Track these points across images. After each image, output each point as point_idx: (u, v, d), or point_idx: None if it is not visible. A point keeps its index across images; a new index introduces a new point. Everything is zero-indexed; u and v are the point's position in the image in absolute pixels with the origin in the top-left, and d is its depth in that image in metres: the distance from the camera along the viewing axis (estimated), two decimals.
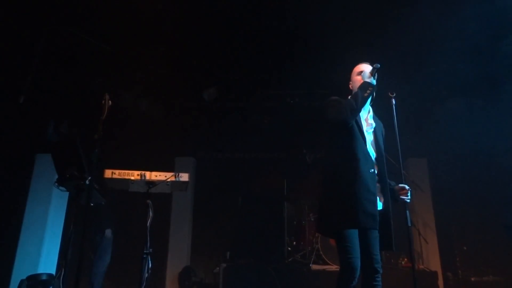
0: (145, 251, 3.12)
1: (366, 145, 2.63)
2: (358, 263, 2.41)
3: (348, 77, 2.97)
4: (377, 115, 2.97)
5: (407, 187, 2.73)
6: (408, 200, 2.73)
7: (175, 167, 7.13)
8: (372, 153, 2.68)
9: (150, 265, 3.14)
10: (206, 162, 7.57)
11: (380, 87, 2.83)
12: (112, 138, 5.10)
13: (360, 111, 2.63)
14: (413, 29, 4.31)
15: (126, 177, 3.22)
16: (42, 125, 5.54)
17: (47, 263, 5.51)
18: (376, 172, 2.62)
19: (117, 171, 3.23)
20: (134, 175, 3.24)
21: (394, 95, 2.88)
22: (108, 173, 3.21)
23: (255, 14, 4.34)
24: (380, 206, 2.61)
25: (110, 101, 3.07)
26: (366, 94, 2.59)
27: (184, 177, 3.34)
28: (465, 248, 6.23)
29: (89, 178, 3.18)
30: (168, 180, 3.27)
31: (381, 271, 2.51)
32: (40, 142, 5.70)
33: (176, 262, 6.61)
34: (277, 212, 6.43)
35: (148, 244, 3.14)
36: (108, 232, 5.05)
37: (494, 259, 5.97)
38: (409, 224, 2.73)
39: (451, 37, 4.44)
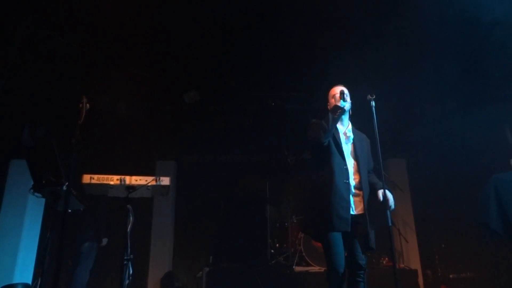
0: (125, 258, 3.05)
1: (343, 158, 3.04)
2: (341, 262, 2.80)
3: (326, 98, 3.37)
4: (356, 125, 3.18)
5: (389, 195, 3.02)
6: (392, 208, 3.04)
7: (156, 170, 7.03)
8: (350, 164, 3.06)
9: (131, 272, 3.07)
10: (188, 165, 7.50)
11: (360, 89, 2.91)
12: (90, 142, 4.99)
13: (331, 131, 3.04)
14: (393, 31, 4.39)
15: (105, 182, 3.14)
16: (16, 129, 5.37)
17: (23, 272, 5.34)
18: (351, 181, 3.02)
19: (95, 176, 3.15)
20: (114, 179, 3.16)
21: (374, 97, 3.05)
22: (86, 178, 3.12)
23: (236, 16, 4.33)
24: (353, 211, 2.98)
25: (87, 104, 3.00)
26: (336, 116, 3.04)
27: (165, 181, 3.28)
28: (443, 246, 6.37)
29: (66, 183, 3.09)
30: (149, 184, 3.21)
31: (365, 267, 2.89)
32: (15, 147, 5.52)
33: (158, 267, 6.50)
34: (260, 215, 6.43)
35: (129, 250, 3.08)
36: (92, 243, 4.95)
37: (471, 256, 6.14)
38: (390, 224, 2.87)
39: (432, 40, 4.54)
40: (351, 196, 2.98)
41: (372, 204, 3.04)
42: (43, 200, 5.06)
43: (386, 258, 5.93)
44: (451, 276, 6.08)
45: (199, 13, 4.35)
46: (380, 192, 3.04)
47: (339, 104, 3.10)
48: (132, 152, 6.18)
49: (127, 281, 3.01)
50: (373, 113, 3.04)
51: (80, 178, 3.12)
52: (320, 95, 3.10)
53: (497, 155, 5.67)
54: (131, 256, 3.07)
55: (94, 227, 5.01)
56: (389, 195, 3.02)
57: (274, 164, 7.27)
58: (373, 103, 3.05)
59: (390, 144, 6.53)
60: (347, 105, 3.14)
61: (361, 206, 3.00)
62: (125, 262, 3.03)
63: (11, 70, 4.55)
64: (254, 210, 6.53)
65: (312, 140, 3.06)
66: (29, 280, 5.24)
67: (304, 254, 5.61)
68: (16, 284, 4.51)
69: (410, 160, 7.19)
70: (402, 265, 6.13)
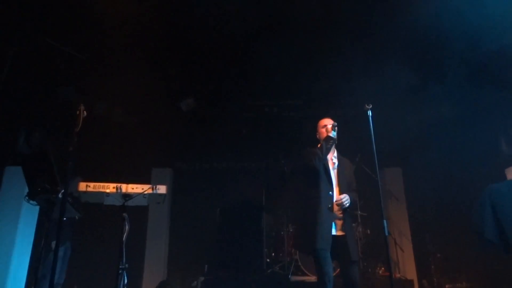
0: (120, 266, 3.02)
1: (330, 183, 3.39)
2: (330, 271, 3.15)
3: (315, 128, 3.67)
4: (355, 130, 3.13)
5: (341, 196, 3.35)
6: (347, 204, 3.35)
7: (151, 178, 7.00)
8: (335, 188, 3.41)
9: (125, 281, 3.04)
10: (184, 172, 7.48)
11: (356, 99, 2.92)
12: (86, 150, 4.96)
13: (325, 159, 3.41)
14: (389, 41, 4.44)
15: (101, 190, 3.12)
16: (12, 136, 5.33)
17: (16, 280, 5.25)
18: (333, 206, 3.33)
19: (92, 184, 3.12)
20: (110, 187, 3.14)
21: (371, 106, 3.01)
22: (82, 186, 3.10)
23: (233, 25, 4.35)
24: (335, 231, 3.32)
25: (85, 112, 2.99)
26: (329, 145, 3.44)
27: (162, 189, 3.26)
28: (439, 255, 6.36)
29: (62, 191, 3.06)
30: (145, 192, 3.20)
31: (356, 281, 3.19)
32: (10, 153, 5.47)
33: (153, 276, 6.44)
34: (256, 223, 6.39)
35: (124, 259, 3.05)
36: (53, 245, 4.83)
37: (467, 266, 6.13)
38: (386, 234, 2.82)
39: (429, 50, 4.59)
40: (333, 219, 3.33)
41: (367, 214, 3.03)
42: (37, 208, 5.00)
43: (382, 268, 5.91)
44: (447, 286, 6.06)
45: (197, 22, 4.38)
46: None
47: (330, 135, 3.45)
48: (128, 159, 6.15)
49: None
50: (370, 122, 3.08)
51: (76, 186, 3.10)
52: (317, 104, 3.09)
53: (493, 165, 5.71)
54: (126, 265, 3.03)
55: None
56: (343, 195, 3.34)
57: (271, 172, 7.26)
58: (369, 113, 3.12)
59: (386, 153, 6.55)
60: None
61: (341, 227, 3.34)
62: (120, 271, 3.00)
63: (8, 76, 4.53)
64: (250, 219, 6.49)
65: (307, 164, 3.41)
66: None
67: (300, 263, 5.58)
68: None
69: (406, 169, 7.21)
70: (398, 275, 6.11)
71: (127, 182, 3.22)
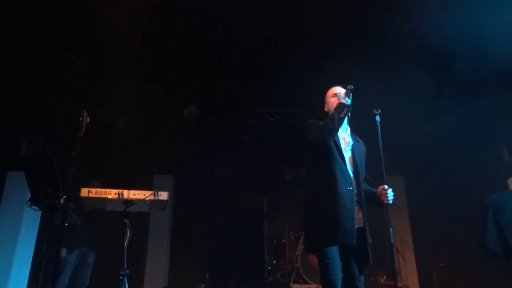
0: (121, 273, 3.01)
1: (344, 164, 2.70)
2: (338, 280, 2.45)
3: (322, 100, 3.04)
4: (356, 132, 3.01)
5: (386, 186, 2.75)
6: (391, 201, 2.75)
7: (153, 185, 7.01)
8: (350, 171, 2.73)
9: (126, 287, 3.03)
10: (185, 180, 7.48)
11: (360, 105, 2.88)
12: (89, 156, 4.98)
13: (337, 131, 2.70)
14: (392, 49, 4.45)
15: (103, 196, 3.14)
16: (15, 141, 5.36)
17: (17, 286, 5.24)
18: (354, 189, 2.68)
19: (93, 190, 3.14)
20: (112, 193, 3.15)
21: (379, 112, 2.87)
22: (84, 192, 3.11)
23: (235, 32, 4.38)
24: (357, 223, 2.65)
25: (88, 118, 3.00)
26: (342, 115, 2.69)
27: (164, 195, 3.27)
28: (441, 265, 6.32)
29: (64, 197, 3.07)
30: (147, 199, 3.20)
31: None
32: (13, 159, 5.50)
33: (153, 283, 6.42)
34: (257, 231, 6.39)
35: (125, 265, 3.04)
36: (62, 252, 4.87)
37: (469, 276, 6.09)
38: (392, 242, 2.70)
39: (430, 57, 4.60)
40: (354, 206, 2.64)
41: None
42: (39, 213, 4.99)
43: (384, 276, 5.87)
44: None
45: (199, 29, 4.40)
46: (380, 187, 2.78)
47: (344, 101, 2.75)
48: (130, 165, 6.16)
49: None
50: (378, 128, 2.84)
51: (78, 191, 3.11)
52: (319, 111, 3.05)
53: (495, 174, 5.69)
54: (127, 271, 3.03)
55: None
56: (388, 188, 2.75)
57: (272, 180, 7.26)
58: (378, 118, 2.86)
59: (387, 161, 6.53)
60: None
61: (361, 218, 2.68)
62: (121, 277, 2.99)
63: (11, 83, 4.56)
64: (251, 226, 6.49)
65: (313, 141, 2.70)
66: None
67: (301, 271, 5.55)
68: None
69: (408, 177, 7.19)
70: (400, 284, 6.07)
71: (129, 189, 3.23)
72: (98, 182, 4.87)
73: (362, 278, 2.61)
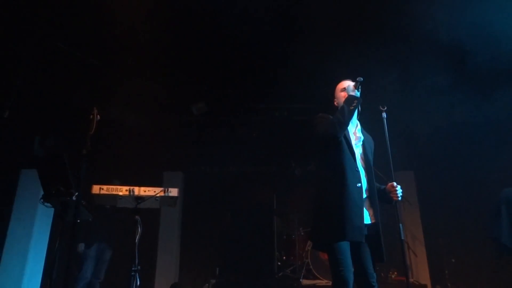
0: (133, 268, 3.05)
1: (354, 159, 2.67)
2: (350, 275, 2.40)
3: (332, 94, 3.02)
4: (366, 128, 3.00)
5: (395, 183, 2.75)
6: (400, 198, 2.75)
7: (163, 181, 7.06)
8: (361, 167, 2.71)
9: (138, 283, 3.07)
10: (195, 176, 7.51)
11: (369, 101, 2.87)
12: (100, 153, 5.04)
13: (348, 124, 2.66)
14: (401, 45, 4.40)
15: (114, 192, 3.17)
16: (27, 140, 5.44)
17: (30, 283, 5.34)
18: (363, 185, 2.66)
19: (105, 187, 3.18)
20: (123, 190, 3.19)
21: (386, 108, 2.90)
22: (95, 189, 3.15)
23: (244, 29, 4.38)
24: (369, 219, 2.63)
25: (98, 116, 3.03)
26: (352, 107, 2.64)
27: (174, 192, 3.30)
28: (453, 260, 6.26)
29: (76, 194, 3.12)
30: (157, 195, 3.23)
31: (376, 286, 2.52)
32: (26, 157, 5.59)
33: (164, 278, 6.47)
34: (267, 227, 6.39)
35: (137, 261, 3.08)
36: (80, 246, 4.97)
37: (481, 272, 6.01)
38: (402, 237, 2.69)
39: (440, 54, 4.54)
40: (363, 202, 2.62)
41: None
42: (52, 210, 5.09)
43: (395, 272, 5.85)
44: None
45: (208, 27, 4.41)
46: (389, 184, 2.78)
47: (354, 94, 2.71)
48: (140, 162, 6.21)
49: None
50: (384, 124, 2.87)
51: (90, 188, 3.15)
52: (327, 107, 3.03)
53: (508, 169, 5.60)
54: (139, 267, 3.07)
55: None
56: (397, 185, 2.76)
57: (281, 175, 7.25)
58: (384, 115, 2.90)
59: (398, 156, 6.49)
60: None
61: (373, 214, 2.65)
62: (132, 273, 3.03)
63: (23, 82, 4.63)
64: (261, 222, 6.50)
65: (323, 134, 2.65)
66: None
67: (311, 267, 5.55)
68: None
69: (418, 172, 7.13)
70: (411, 280, 6.04)
71: (139, 185, 3.27)
72: (119, 181, 4.94)
73: (375, 274, 2.56)
